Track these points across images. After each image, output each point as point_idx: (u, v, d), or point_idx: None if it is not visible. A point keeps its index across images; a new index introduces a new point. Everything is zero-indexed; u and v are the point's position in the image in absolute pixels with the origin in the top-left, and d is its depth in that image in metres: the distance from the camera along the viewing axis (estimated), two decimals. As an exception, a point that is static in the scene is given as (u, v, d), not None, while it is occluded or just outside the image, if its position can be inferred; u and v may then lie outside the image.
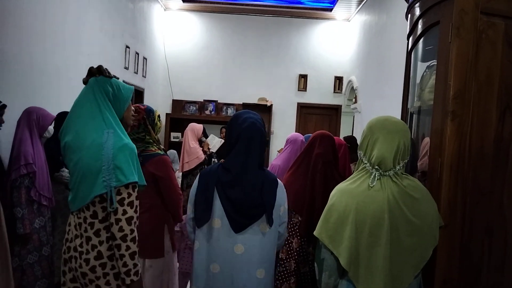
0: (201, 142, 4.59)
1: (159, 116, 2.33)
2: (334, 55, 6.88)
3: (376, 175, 1.43)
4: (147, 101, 5.94)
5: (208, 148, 4.73)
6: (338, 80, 6.90)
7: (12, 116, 2.48)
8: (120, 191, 1.46)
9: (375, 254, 1.38)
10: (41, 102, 3.00)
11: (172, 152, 5.47)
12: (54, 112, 2.88)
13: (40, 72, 3.16)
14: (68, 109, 1.64)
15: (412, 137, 1.85)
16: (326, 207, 1.50)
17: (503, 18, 1.44)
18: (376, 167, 1.43)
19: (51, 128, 2.81)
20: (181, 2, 6.51)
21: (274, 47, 6.93)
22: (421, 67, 1.87)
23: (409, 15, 1.90)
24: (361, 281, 1.39)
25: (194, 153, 4.32)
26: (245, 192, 1.61)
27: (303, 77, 6.92)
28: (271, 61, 6.93)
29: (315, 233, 1.49)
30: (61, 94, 3.43)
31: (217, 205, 1.64)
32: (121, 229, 1.45)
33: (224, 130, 5.57)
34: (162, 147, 2.34)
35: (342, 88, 6.90)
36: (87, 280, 1.49)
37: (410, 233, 1.38)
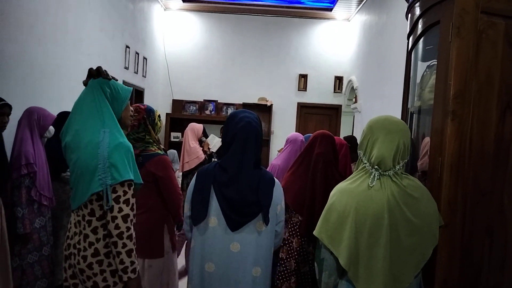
0: (201, 142, 4.59)
1: (159, 116, 2.32)
2: (334, 55, 6.88)
3: (376, 175, 1.42)
4: (147, 101, 5.94)
5: (208, 148, 4.72)
6: (338, 80, 6.89)
7: (12, 116, 2.49)
8: (115, 189, 1.49)
9: (374, 254, 1.37)
10: (42, 102, 3.01)
11: (172, 152, 5.47)
12: (54, 112, 2.88)
13: (41, 72, 3.16)
14: (68, 109, 1.65)
15: (413, 136, 1.85)
16: (325, 207, 1.50)
17: (504, 17, 1.44)
18: (376, 166, 1.43)
19: (51, 128, 2.81)
20: (181, 2, 6.51)
21: (274, 47, 6.93)
22: (421, 67, 1.87)
23: (409, 15, 1.90)
24: (361, 281, 1.39)
25: (194, 153, 4.32)
26: (240, 191, 1.62)
27: (303, 77, 6.92)
28: (271, 61, 6.93)
29: (314, 232, 1.49)
30: (61, 94, 3.43)
31: (214, 204, 1.65)
32: (117, 227, 1.48)
33: (224, 130, 5.54)
34: (162, 147, 2.34)
35: (342, 88, 6.90)
36: (85, 277, 1.53)
37: (410, 233, 1.38)
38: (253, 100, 6.79)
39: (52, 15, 3.30)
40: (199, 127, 4.55)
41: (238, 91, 6.86)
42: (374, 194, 1.40)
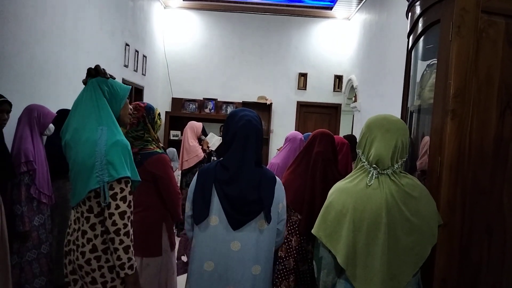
0: (200, 141, 4.59)
1: (159, 114, 2.31)
2: (334, 54, 6.87)
3: (374, 174, 1.42)
4: (147, 99, 5.93)
5: (208, 146, 4.72)
6: (338, 78, 6.89)
7: (12, 114, 2.49)
8: (112, 186, 1.51)
9: (372, 253, 1.37)
10: (41, 100, 3.00)
11: (171, 150, 5.47)
12: (54, 110, 2.88)
13: (40, 70, 3.16)
14: (67, 106, 1.66)
15: (412, 136, 1.85)
16: (324, 205, 1.50)
17: (504, 16, 1.44)
18: (374, 165, 1.42)
19: (51, 126, 2.81)
20: (181, 0, 6.50)
21: (274, 46, 6.92)
22: (421, 66, 1.87)
23: (410, 14, 1.90)
24: (359, 280, 1.39)
25: (193, 151, 4.31)
26: (241, 189, 1.62)
27: (303, 76, 6.91)
28: (271, 60, 6.93)
29: (313, 231, 1.49)
30: (61, 92, 3.43)
31: (215, 203, 1.65)
32: (114, 223, 1.50)
33: (223, 128, 5.54)
34: (162, 145, 2.33)
35: (342, 86, 6.90)
36: (84, 272, 1.56)
37: (408, 232, 1.37)
38: (253, 98, 6.78)
39: (52, 12, 3.29)
40: (198, 125, 4.55)
41: (237, 90, 6.86)
42: (372, 192, 1.40)
